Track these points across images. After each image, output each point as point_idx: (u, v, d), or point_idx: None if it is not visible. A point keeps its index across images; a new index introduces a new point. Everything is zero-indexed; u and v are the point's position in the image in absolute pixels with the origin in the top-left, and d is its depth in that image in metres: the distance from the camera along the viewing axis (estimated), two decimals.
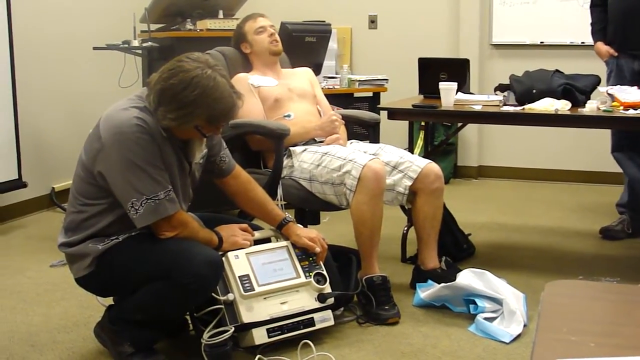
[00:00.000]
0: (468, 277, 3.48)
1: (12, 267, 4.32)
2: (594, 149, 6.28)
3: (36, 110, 5.49)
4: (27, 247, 4.72)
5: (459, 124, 5.11)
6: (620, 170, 4.90)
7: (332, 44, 6.19)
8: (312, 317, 3.19)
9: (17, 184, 5.17)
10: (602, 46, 4.74)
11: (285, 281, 3.14)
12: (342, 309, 3.48)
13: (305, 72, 4.23)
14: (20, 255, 4.56)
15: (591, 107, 3.97)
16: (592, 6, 4.83)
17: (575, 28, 6.29)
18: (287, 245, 3.24)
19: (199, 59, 2.87)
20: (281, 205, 3.58)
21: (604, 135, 5.06)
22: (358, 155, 3.56)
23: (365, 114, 4.31)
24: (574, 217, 5.39)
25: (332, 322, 3.26)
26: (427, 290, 3.60)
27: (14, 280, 4.10)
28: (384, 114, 4.26)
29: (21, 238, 4.96)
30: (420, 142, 5.91)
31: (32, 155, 5.42)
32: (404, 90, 5.24)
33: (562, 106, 3.98)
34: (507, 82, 4.30)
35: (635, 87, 4.13)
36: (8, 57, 5.02)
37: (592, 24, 4.83)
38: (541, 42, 6.48)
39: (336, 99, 5.19)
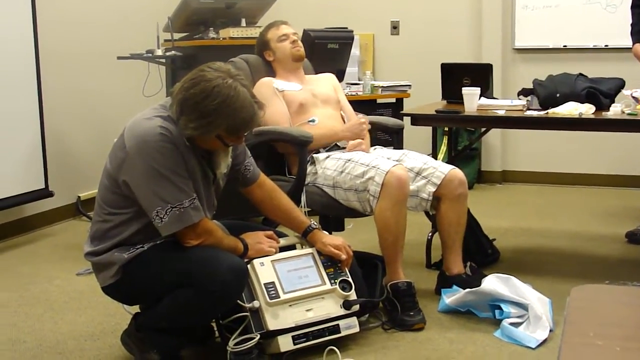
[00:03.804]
0: (493, 283, 3.47)
1: (39, 276, 4.35)
2: (618, 153, 6.26)
3: (62, 120, 5.54)
4: (54, 256, 4.76)
5: (483, 129, 5.11)
6: None
7: (355, 51, 6.19)
8: (338, 324, 3.19)
9: (44, 193, 5.22)
10: None
11: (310, 288, 3.14)
12: (367, 315, 3.48)
13: (329, 78, 4.24)
14: (47, 263, 4.60)
15: (615, 110, 3.95)
16: (632, 7, 4.77)
17: (598, 31, 6.28)
18: (312, 252, 3.24)
19: (221, 68, 2.88)
20: (305, 212, 3.58)
21: (629, 139, 5.04)
22: (381, 162, 3.56)
23: (388, 120, 4.31)
24: (599, 221, 5.36)
25: (357, 329, 3.26)
26: (453, 296, 3.60)
27: (41, 288, 4.14)
28: (407, 119, 4.26)
29: (48, 247, 5.00)
30: (443, 148, 5.91)
31: (58, 165, 5.46)
32: (427, 96, 5.24)
33: (586, 110, 3.97)
34: (530, 86, 4.29)
35: None
36: (34, 67, 5.08)
37: (631, 25, 4.78)
38: (564, 46, 6.46)
39: (359, 105, 5.19)
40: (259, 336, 2.97)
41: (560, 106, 4.02)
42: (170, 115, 2.88)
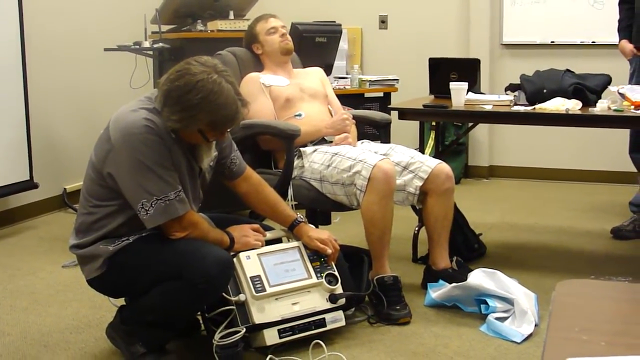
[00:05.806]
0: (479, 277, 3.48)
1: (24, 268, 4.33)
2: (604, 149, 6.28)
3: (47, 111, 5.51)
4: (39, 248, 4.74)
5: (470, 124, 5.11)
6: (632, 170, 4.88)
7: (343, 45, 6.19)
8: (324, 318, 3.19)
9: (29, 185, 5.19)
10: (626, 44, 4.70)
11: (296, 282, 3.14)
12: (353, 309, 3.48)
13: (317, 72, 4.23)
14: (32, 256, 4.58)
15: (602, 106, 3.96)
16: (620, 3, 4.78)
17: (585, 27, 6.29)
18: (298, 246, 3.24)
19: (207, 62, 2.87)
20: (292, 205, 3.58)
21: (615, 135, 5.04)
22: (368, 156, 3.56)
23: (376, 114, 4.31)
24: (585, 216, 5.37)
25: (343, 323, 3.26)
26: (439, 290, 3.60)
27: (26, 281, 4.12)
28: (394, 114, 4.25)
29: (33, 239, 4.97)
30: (431, 142, 5.90)
31: (43, 156, 5.44)
32: (414, 90, 5.24)
33: (573, 106, 3.97)
34: (517, 81, 4.29)
35: None
36: (20, 58, 5.04)
37: (619, 21, 4.79)
38: (552, 42, 6.47)
39: (347, 99, 5.19)
40: (244, 329, 2.96)
41: (547, 102, 4.03)
42: (155, 107, 2.87)
